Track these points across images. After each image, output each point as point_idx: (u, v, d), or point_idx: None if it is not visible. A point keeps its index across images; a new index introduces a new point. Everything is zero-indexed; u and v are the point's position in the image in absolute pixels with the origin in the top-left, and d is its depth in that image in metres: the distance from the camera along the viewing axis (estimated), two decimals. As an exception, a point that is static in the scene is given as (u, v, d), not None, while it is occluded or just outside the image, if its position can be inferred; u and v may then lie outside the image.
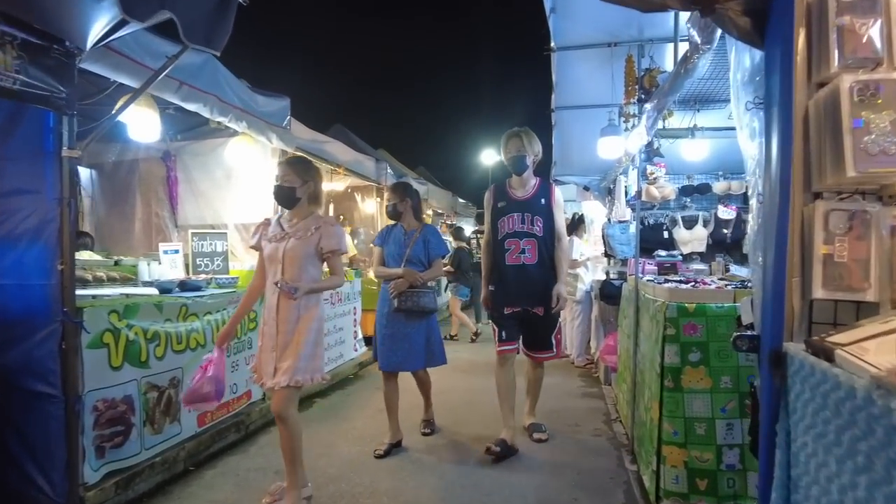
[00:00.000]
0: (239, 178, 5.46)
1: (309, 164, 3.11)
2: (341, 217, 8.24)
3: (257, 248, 3.11)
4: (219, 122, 4.29)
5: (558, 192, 3.81)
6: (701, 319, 2.73)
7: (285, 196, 2.98)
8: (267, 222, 3.13)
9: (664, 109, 2.91)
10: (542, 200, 3.73)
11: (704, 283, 3.27)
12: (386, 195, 4.15)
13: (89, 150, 5.86)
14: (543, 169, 6.07)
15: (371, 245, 8.19)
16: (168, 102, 3.89)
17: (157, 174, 5.61)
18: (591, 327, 6.94)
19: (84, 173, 5.86)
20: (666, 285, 3.01)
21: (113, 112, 2.81)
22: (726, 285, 3.02)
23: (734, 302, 2.76)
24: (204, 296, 3.89)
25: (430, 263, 3.99)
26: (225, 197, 5.51)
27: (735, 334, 1.41)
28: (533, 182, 3.79)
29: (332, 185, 7.25)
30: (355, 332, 6.31)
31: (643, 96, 3.88)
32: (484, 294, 3.92)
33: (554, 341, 3.87)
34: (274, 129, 4.80)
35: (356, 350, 6.31)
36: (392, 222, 4.16)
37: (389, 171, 7.63)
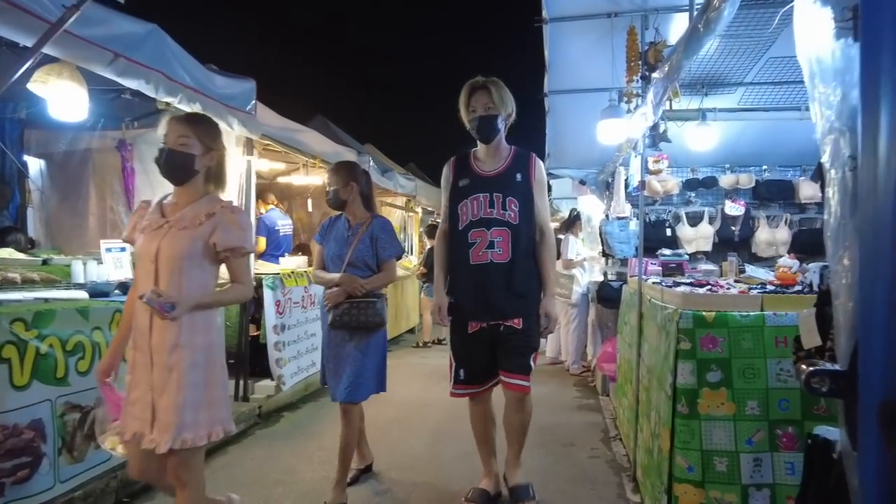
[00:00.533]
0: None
1: (216, 128, 2.23)
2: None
3: (131, 241, 2.21)
4: (167, 104, 3.80)
5: (540, 167, 2.79)
6: (722, 331, 2.25)
7: (178, 165, 2.07)
8: (145, 205, 2.23)
9: (675, 80, 2.44)
10: (519, 176, 2.72)
11: (719, 286, 2.80)
12: (325, 179, 3.26)
13: (37, 138, 5.44)
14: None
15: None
16: (121, 86, 3.40)
17: (112, 165, 5.12)
18: (587, 332, 6.47)
19: (33, 164, 5.37)
20: (678, 289, 2.54)
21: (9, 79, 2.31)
22: (749, 289, 2.54)
23: (761, 310, 2.28)
24: (145, 300, 3.39)
25: (379, 267, 3.12)
26: (186, 190, 5.01)
27: (809, 370, 0.93)
28: (506, 152, 2.79)
29: (310, 178, 6.74)
30: (332, 337, 5.82)
31: (647, 73, 3.40)
32: (436, 302, 2.88)
33: (532, 364, 2.78)
34: (235, 113, 4.31)
35: (333, 357, 5.82)
36: (337, 213, 3.30)
37: (373, 164, 7.13)
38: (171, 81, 3.58)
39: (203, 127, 2.15)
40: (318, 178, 6.95)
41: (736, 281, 3.20)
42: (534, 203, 2.73)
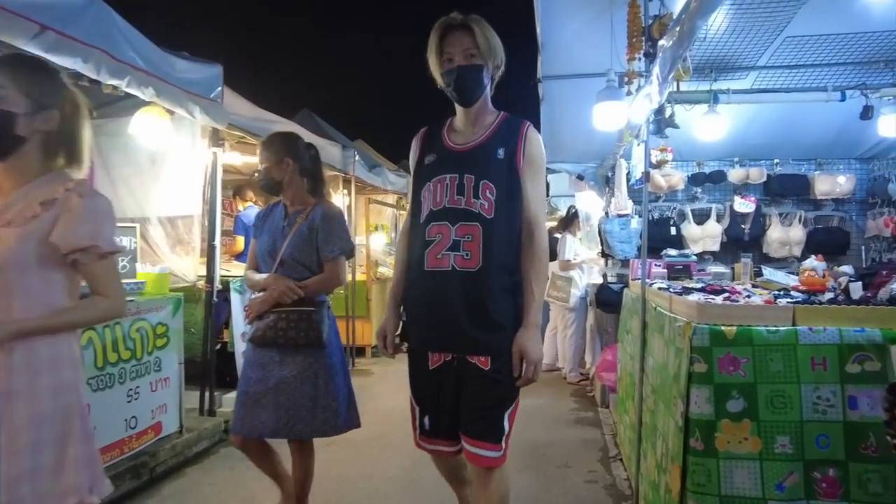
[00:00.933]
0: (165, 163, 4.58)
1: (54, 77, 1.57)
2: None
3: None
4: (114, 87, 3.41)
5: (534, 140, 1.98)
6: (745, 350, 1.85)
7: None
8: None
9: (686, 50, 2.04)
10: (501, 152, 1.93)
11: (735, 293, 2.40)
12: (258, 155, 2.68)
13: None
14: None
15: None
16: (77, 71, 3.02)
17: (70, 158, 4.71)
18: (585, 338, 6.08)
19: (-14, 157, 4.97)
20: (691, 297, 2.14)
21: None
22: (774, 297, 2.14)
23: (793, 324, 1.88)
24: (83, 307, 3.00)
25: (323, 266, 2.49)
26: (149, 185, 4.62)
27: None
28: (491, 119, 2.01)
29: (290, 174, 6.34)
30: (311, 344, 5.42)
31: (651, 50, 3.00)
32: (381, 324, 2.09)
33: (507, 424, 1.90)
34: (198, 100, 3.92)
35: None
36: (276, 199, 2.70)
37: (359, 158, 6.75)
38: (117, 62, 3.19)
39: (28, 74, 1.51)
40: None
41: (753, 286, 2.80)
42: (520, 190, 1.93)
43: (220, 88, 4.18)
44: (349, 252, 2.54)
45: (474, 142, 1.98)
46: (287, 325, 2.39)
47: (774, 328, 1.87)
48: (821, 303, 1.98)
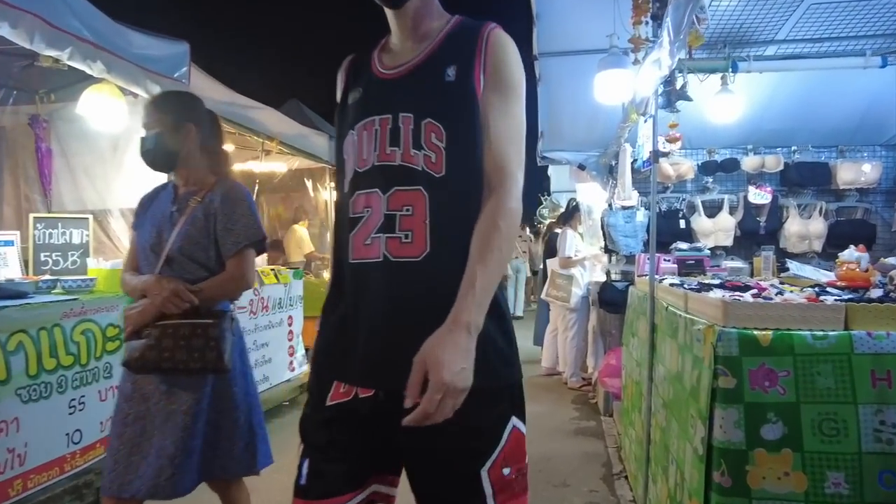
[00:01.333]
0: (128, 150, 4.22)
1: None
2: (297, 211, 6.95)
3: None
4: (55, 60, 3.06)
5: (503, 47, 1.20)
6: (785, 361, 1.46)
7: None
8: None
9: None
10: (451, 71, 1.20)
11: (762, 289, 2.01)
12: (143, 118, 1.97)
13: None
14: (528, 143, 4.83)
15: (329, 239, 6.95)
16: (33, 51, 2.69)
17: (26, 145, 4.37)
18: (587, 340, 5.69)
19: (-62, 146, 4.62)
20: (712, 294, 1.75)
21: None
22: (818, 294, 1.75)
23: (846, 328, 1.49)
24: (11, 306, 2.64)
25: (224, 264, 1.88)
26: (111, 174, 4.26)
27: None
28: (437, 25, 1.28)
29: (272, 164, 5.99)
30: (291, 347, 5.06)
31: (659, 11, 2.62)
32: (318, 335, 1.34)
33: (490, 485, 1.13)
34: (158, 79, 3.56)
35: (293, 370, 5.05)
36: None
37: (347, 150, 6.37)
38: (55, 29, 2.84)
39: None
40: (280, 164, 6.20)
41: (780, 282, 2.41)
42: (482, 126, 1.20)
43: (186, 68, 3.84)
44: (259, 244, 1.93)
45: (412, 62, 1.27)
46: (174, 343, 1.75)
47: (822, 333, 1.48)
48: (882, 301, 1.58)
